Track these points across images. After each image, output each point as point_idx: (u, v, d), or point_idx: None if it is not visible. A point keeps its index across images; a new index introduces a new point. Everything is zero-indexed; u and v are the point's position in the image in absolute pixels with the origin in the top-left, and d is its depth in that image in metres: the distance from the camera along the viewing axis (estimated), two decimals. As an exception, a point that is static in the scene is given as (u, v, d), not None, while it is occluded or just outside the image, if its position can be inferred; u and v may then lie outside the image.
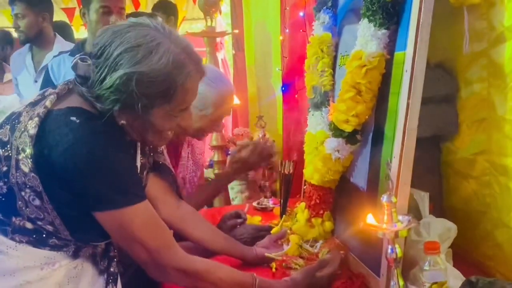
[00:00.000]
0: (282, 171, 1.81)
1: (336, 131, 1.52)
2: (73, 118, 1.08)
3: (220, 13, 2.69)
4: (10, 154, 1.11)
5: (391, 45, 1.40)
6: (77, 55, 1.14)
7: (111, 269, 1.29)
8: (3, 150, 1.12)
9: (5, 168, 1.11)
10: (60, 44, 2.97)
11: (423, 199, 1.39)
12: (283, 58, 2.69)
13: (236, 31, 2.76)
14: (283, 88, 2.69)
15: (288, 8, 2.66)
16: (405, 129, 1.27)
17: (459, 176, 1.52)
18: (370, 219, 1.12)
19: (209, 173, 3.52)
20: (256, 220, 1.98)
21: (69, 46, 2.85)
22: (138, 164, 1.28)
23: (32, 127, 1.09)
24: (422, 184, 1.44)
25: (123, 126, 1.16)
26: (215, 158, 2.54)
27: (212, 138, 2.53)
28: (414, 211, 1.38)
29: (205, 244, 1.54)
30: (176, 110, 1.17)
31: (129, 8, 4.85)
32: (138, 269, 1.25)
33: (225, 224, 1.86)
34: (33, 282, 1.15)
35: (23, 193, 1.10)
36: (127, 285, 1.38)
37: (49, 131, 1.09)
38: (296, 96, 2.65)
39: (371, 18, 1.37)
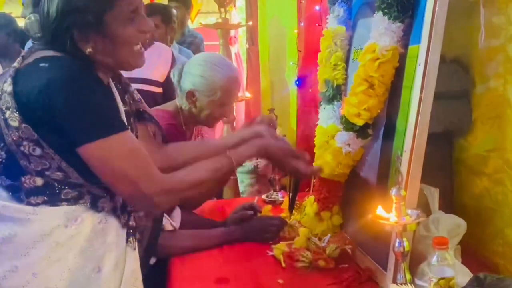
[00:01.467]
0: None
1: (348, 125, 1.52)
2: (42, 64, 1.14)
3: (235, 6, 2.67)
4: None
5: (405, 39, 1.39)
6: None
7: (130, 223, 1.31)
8: None
9: None
10: None
11: (433, 195, 1.37)
12: (298, 52, 2.67)
13: (250, 23, 2.74)
14: (298, 82, 2.68)
15: (303, 2, 2.65)
16: (416, 123, 1.26)
17: (471, 172, 1.50)
18: (379, 210, 1.11)
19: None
20: (266, 210, 1.98)
21: None
22: (122, 110, 1.29)
23: (7, 85, 1.14)
24: (433, 180, 1.43)
25: (91, 57, 1.19)
26: (227, 151, 2.53)
27: (223, 131, 2.53)
28: (423, 206, 1.37)
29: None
30: (126, 11, 1.20)
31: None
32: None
33: (235, 215, 1.88)
34: (62, 242, 1.16)
35: (22, 148, 1.12)
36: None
37: (24, 81, 1.14)
38: (310, 90, 2.63)
39: (385, 11, 1.36)
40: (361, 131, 1.51)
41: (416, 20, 1.35)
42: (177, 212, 1.79)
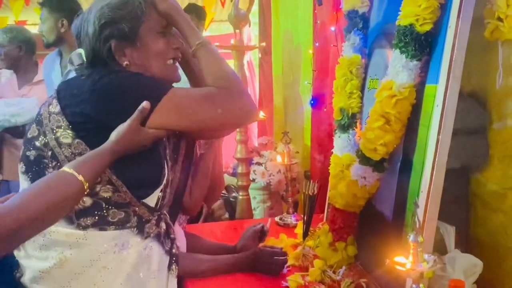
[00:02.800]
0: (306, 192, 1.81)
1: (364, 159, 1.52)
2: (83, 77, 1.25)
3: (250, 25, 2.68)
4: (47, 140, 1.21)
5: (422, 76, 1.39)
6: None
7: (173, 251, 1.37)
8: (38, 142, 1.22)
9: (50, 153, 1.21)
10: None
11: (449, 233, 1.37)
12: (313, 72, 2.68)
13: (263, 44, 2.75)
14: (312, 102, 2.69)
15: (319, 22, 2.65)
16: (434, 165, 1.26)
17: (487, 208, 1.49)
18: (398, 258, 1.11)
19: (231, 181, 3.54)
20: (277, 237, 1.97)
21: None
22: None
23: (54, 106, 1.22)
24: (449, 214, 1.42)
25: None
26: (239, 171, 2.55)
27: (236, 151, 2.54)
28: (439, 243, 1.37)
29: None
30: (158, 25, 1.30)
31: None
32: None
33: (245, 240, 1.89)
34: (110, 267, 1.20)
35: None
36: None
37: (69, 96, 1.22)
38: (325, 109, 2.64)
39: (403, 49, 1.36)
40: (377, 165, 1.51)
41: (434, 58, 1.36)
42: (181, 235, 1.80)
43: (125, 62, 1.28)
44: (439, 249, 1.38)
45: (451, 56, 1.24)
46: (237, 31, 2.35)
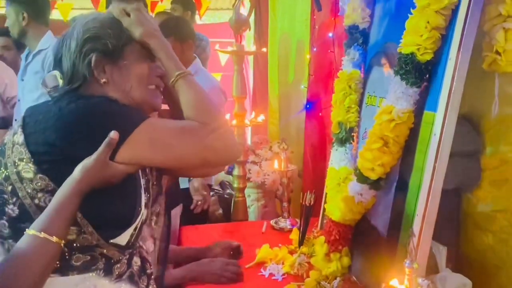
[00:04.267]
0: (303, 203, 1.87)
1: (361, 177, 1.57)
2: (50, 103, 1.19)
3: (250, 29, 2.71)
4: (8, 173, 1.12)
5: (421, 101, 1.44)
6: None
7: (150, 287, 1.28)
8: None
9: (10, 188, 1.11)
10: (47, 40, 2.93)
11: (441, 253, 1.44)
12: (309, 77, 2.72)
13: (264, 49, 2.78)
14: (308, 106, 2.74)
15: (317, 27, 2.69)
16: (430, 190, 1.32)
17: (477, 228, 1.56)
18: (394, 282, 1.18)
19: (225, 177, 3.59)
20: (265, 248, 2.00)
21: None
22: None
23: (18, 136, 1.14)
24: (440, 232, 1.49)
25: (105, 91, 1.21)
26: (236, 173, 2.60)
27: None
28: (431, 262, 1.44)
29: None
30: (145, 49, 1.26)
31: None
32: None
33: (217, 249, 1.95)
34: None
35: (36, 201, 1.09)
36: None
37: (34, 122, 1.14)
38: (320, 114, 2.69)
39: (403, 76, 1.41)
40: (374, 184, 1.57)
41: (433, 85, 1.41)
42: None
43: (103, 80, 1.20)
44: (431, 267, 1.45)
45: (450, 86, 1.29)
46: (238, 36, 2.37)
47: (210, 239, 2.21)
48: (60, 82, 1.23)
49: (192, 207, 2.71)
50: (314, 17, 2.65)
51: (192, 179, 2.73)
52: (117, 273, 1.18)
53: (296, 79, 3.12)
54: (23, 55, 3.05)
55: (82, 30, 1.22)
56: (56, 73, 1.25)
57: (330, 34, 2.55)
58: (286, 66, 3.32)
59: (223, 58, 5.86)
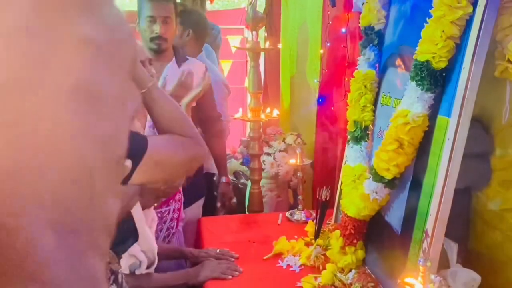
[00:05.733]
0: (319, 198, 1.96)
1: (376, 176, 1.65)
2: None
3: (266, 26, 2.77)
4: None
5: (435, 105, 1.51)
6: None
7: None
8: None
9: None
10: None
11: (452, 249, 1.53)
12: (322, 71, 2.79)
13: (280, 45, 2.84)
14: (320, 100, 2.81)
15: (330, 22, 2.74)
16: (442, 192, 1.40)
17: (486, 225, 1.65)
18: (410, 280, 1.27)
19: (239, 167, 3.68)
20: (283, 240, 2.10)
21: None
22: None
23: None
24: (451, 229, 1.58)
25: None
26: (252, 165, 2.68)
27: (249, 146, 2.67)
28: (442, 257, 1.53)
29: None
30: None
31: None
32: None
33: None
34: None
35: None
36: None
37: None
38: (332, 108, 2.76)
39: (419, 82, 1.48)
40: (389, 183, 1.65)
41: (447, 91, 1.48)
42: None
43: None
44: (442, 261, 1.54)
45: (463, 95, 1.37)
46: (254, 32, 2.44)
47: (228, 230, 2.31)
48: None
49: (218, 205, 2.81)
50: (328, 12, 2.70)
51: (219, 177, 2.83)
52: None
53: (299, 72, 3.17)
54: None
55: None
56: None
57: (344, 30, 2.61)
58: (299, 59, 3.38)
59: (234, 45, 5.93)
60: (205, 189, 2.70)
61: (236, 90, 6.14)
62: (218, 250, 2.03)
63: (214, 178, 2.96)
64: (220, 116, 2.75)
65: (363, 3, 2.07)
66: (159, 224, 2.08)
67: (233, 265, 1.92)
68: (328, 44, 2.77)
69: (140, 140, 1.16)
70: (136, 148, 1.12)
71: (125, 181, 1.09)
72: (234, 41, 5.94)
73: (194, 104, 2.30)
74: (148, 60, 1.94)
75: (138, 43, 1.97)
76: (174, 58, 2.50)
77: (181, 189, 2.22)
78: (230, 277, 1.86)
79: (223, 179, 2.76)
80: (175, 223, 2.24)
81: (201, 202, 2.64)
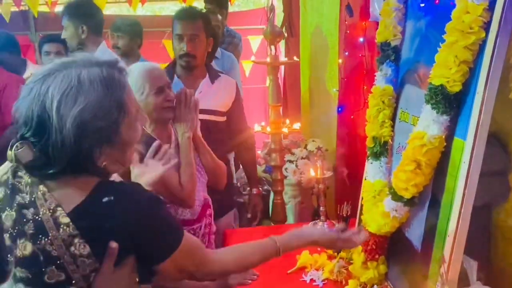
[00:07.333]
0: (340, 213, 2.00)
1: (395, 196, 1.69)
2: (107, 199, 1.12)
3: (284, 38, 2.80)
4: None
5: (452, 127, 1.53)
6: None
7: None
8: None
9: None
10: (102, 51, 3.08)
11: (472, 267, 1.55)
12: (341, 80, 2.82)
13: (297, 59, 2.88)
14: (340, 109, 2.84)
15: (348, 32, 2.76)
16: (460, 214, 1.43)
17: (507, 240, 1.66)
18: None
19: (262, 174, 3.74)
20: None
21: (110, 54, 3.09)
22: None
23: (62, 217, 1.10)
24: (471, 244, 1.60)
25: (105, 169, 1.17)
26: (274, 177, 2.74)
27: (271, 158, 2.72)
28: (462, 275, 1.56)
29: None
30: (134, 112, 1.20)
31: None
32: None
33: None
34: None
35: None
36: None
37: (91, 219, 1.12)
38: (352, 117, 2.79)
39: (434, 106, 1.50)
40: (408, 201, 1.68)
41: (462, 113, 1.50)
42: None
43: (104, 163, 1.16)
44: (462, 279, 1.57)
45: (478, 119, 1.39)
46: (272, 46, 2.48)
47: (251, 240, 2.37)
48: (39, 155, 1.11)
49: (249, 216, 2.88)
50: (346, 22, 2.72)
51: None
52: None
53: (319, 80, 3.19)
54: None
55: (74, 118, 1.08)
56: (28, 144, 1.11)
57: (361, 39, 2.63)
58: (319, 67, 3.40)
59: (255, 45, 5.96)
60: (235, 200, 2.78)
61: (256, 90, 6.19)
62: None
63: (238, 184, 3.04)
64: (250, 129, 2.80)
65: (380, 13, 2.09)
66: None
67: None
68: (346, 53, 2.80)
69: (178, 227, 1.25)
70: (174, 237, 1.21)
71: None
72: (255, 41, 5.98)
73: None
74: (167, 85, 2.02)
75: (158, 67, 2.01)
76: (207, 75, 2.59)
77: (210, 202, 2.28)
78: (249, 281, 1.89)
79: (254, 191, 2.83)
80: (207, 238, 2.30)
81: (232, 213, 2.72)
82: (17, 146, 1.09)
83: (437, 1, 1.71)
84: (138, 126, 1.22)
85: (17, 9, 5.39)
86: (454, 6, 1.48)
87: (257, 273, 1.94)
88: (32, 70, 3.69)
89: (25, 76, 3.61)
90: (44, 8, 5.44)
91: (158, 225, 1.18)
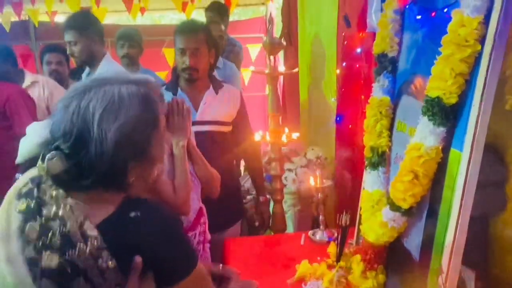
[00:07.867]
0: (339, 223, 2.01)
1: (393, 206, 1.70)
2: (134, 214, 1.15)
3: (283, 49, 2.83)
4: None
5: (449, 138, 1.55)
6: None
7: None
8: None
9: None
10: (106, 63, 3.15)
11: (470, 278, 1.57)
12: (339, 90, 2.84)
13: (296, 69, 2.90)
14: (338, 119, 2.86)
15: (346, 42, 2.79)
16: (457, 225, 1.44)
17: (504, 250, 1.68)
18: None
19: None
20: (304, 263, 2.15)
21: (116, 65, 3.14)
22: None
23: (90, 230, 1.11)
24: (469, 254, 1.61)
25: (130, 187, 1.19)
26: (273, 186, 2.75)
27: (271, 167, 2.74)
28: (460, 284, 1.57)
29: None
30: (162, 131, 1.24)
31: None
32: None
33: None
34: None
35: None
36: None
37: (116, 232, 1.13)
38: (350, 126, 2.81)
39: (430, 117, 1.52)
40: (406, 212, 1.69)
41: (459, 124, 1.51)
42: None
43: (132, 179, 1.18)
44: (461, 288, 1.58)
45: (474, 131, 1.40)
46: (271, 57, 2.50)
47: (252, 252, 2.38)
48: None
49: (257, 224, 2.91)
50: (343, 34, 2.75)
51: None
52: None
53: (317, 89, 3.22)
54: (84, 74, 3.26)
55: (114, 134, 1.11)
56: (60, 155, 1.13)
57: (359, 50, 2.66)
58: (317, 76, 3.42)
59: (253, 53, 6.00)
60: (243, 209, 2.81)
61: (256, 98, 6.22)
62: None
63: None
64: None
65: (377, 24, 2.11)
66: None
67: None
68: (344, 64, 2.82)
69: (194, 256, 1.23)
70: (187, 264, 1.20)
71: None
72: (253, 50, 6.02)
73: None
74: (159, 98, 2.03)
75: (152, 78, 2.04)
76: (211, 86, 2.61)
77: (204, 211, 2.30)
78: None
79: (261, 198, 2.85)
80: (202, 246, 2.31)
81: (239, 222, 2.75)
82: (48, 157, 1.12)
83: (433, 14, 1.73)
84: (164, 143, 1.26)
85: (17, 19, 5.42)
86: (450, 18, 1.50)
87: (257, 282, 1.94)
88: (31, 79, 3.73)
89: (24, 85, 3.65)
90: (44, 18, 5.48)
91: (178, 246, 1.20)
